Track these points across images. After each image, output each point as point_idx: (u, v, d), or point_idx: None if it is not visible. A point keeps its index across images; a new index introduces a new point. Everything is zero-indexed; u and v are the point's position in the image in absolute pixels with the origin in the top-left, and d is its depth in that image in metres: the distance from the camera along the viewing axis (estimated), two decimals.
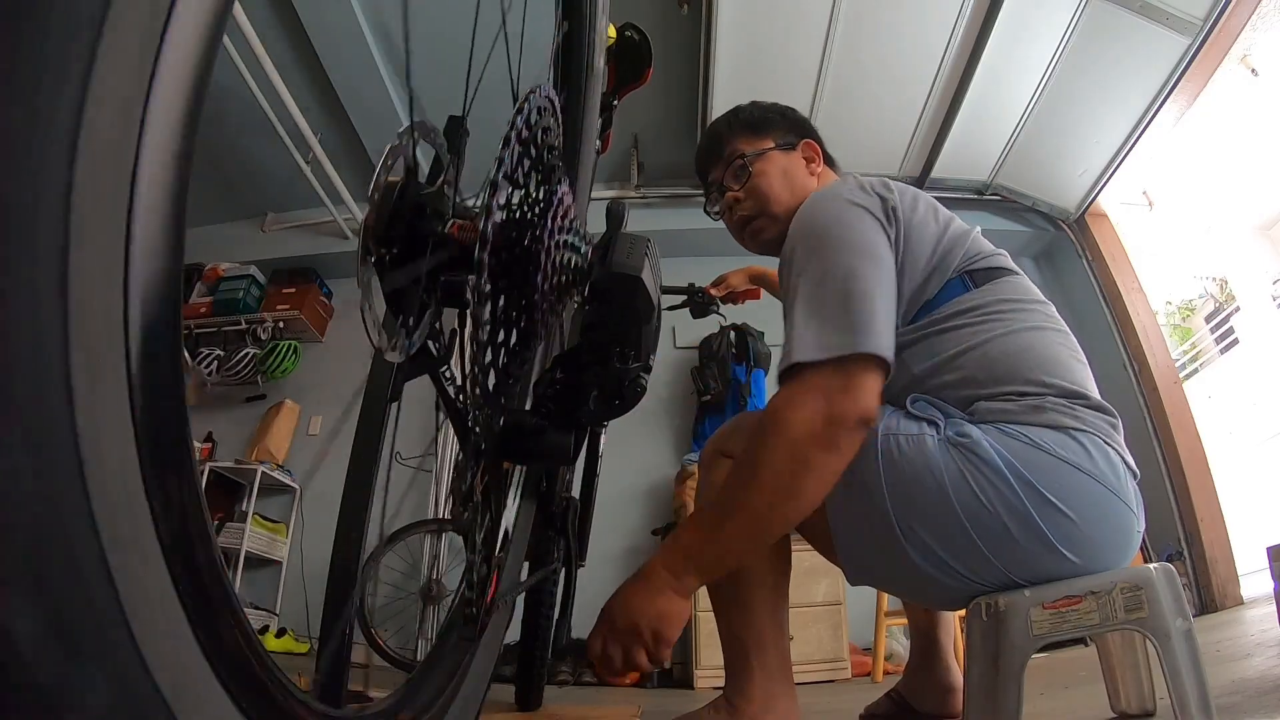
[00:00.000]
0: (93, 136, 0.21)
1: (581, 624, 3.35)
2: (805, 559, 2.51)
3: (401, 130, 0.51)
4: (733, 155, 1.23)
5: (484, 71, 0.58)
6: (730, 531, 0.87)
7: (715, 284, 1.83)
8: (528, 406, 0.92)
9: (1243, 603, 3.03)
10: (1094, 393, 0.93)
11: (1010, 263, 1.04)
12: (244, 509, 3.48)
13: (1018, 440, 0.86)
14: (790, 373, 0.88)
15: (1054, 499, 0.83)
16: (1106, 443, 0.88)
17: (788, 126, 1.26)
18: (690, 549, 0.88)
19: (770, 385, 3.60)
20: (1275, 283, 5.71)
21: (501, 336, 0.59)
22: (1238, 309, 6.22)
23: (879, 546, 0.91)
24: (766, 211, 1.19)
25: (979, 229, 1.08)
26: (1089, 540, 0.84)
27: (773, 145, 1.23)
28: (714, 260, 2.64)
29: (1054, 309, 1.02)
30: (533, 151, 0.60)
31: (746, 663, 0.98)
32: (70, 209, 0.21)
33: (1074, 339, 1.00)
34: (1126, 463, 0.90)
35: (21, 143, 0.20)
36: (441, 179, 0.56)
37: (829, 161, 1.27)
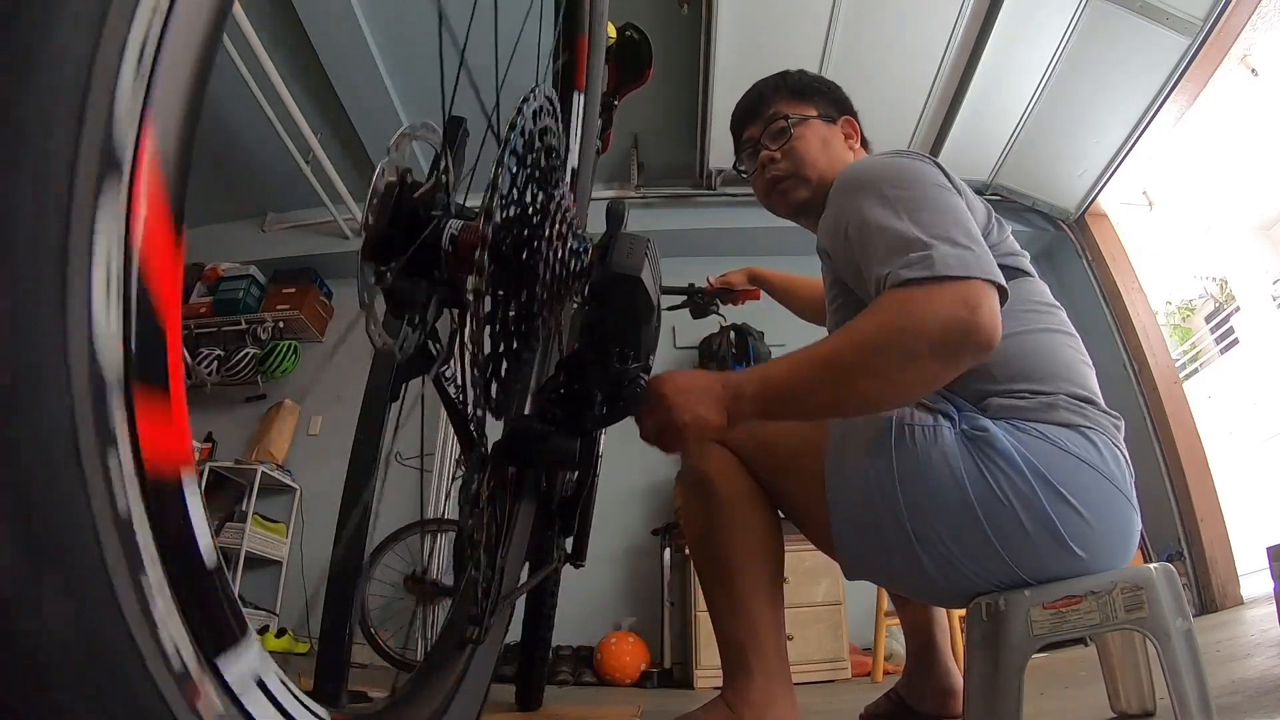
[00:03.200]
0: (89, 138, 0.21)
1: (580, 625, 3.33)
2: (805, 559, 2.53)
3: (401, 131, 0.51)
4: (775, 116, 1.22)
5: (439, 69, 0.58)
6: (814, 383, 0.82)
7: (716, 280, 1.83)
8: (529, 409, 0.92)
9: (1243, 603, 3.03)
10: (1100, 398, 0.95)
11: (1029, 266, 1.05)
12: (244, 509, 3.48)
13: (1032, 436, 0.87)
14: (924, 281, 0.79)
15: (1068, 495, 0.84)
16: (1113, 442, 0.90)
17: (831, 100, 1.25)
18: (769, 377, 0.83)
19: None
20: (1275, 283, 5.70)
21: (501, 341, 0.59)
22: (1238, 309, 6.22)
23: (883, 539, 0.90)
24: (800, 174, 1.17)
25: (1010, 228, 1.09)
26: (1097, 537, 0.85)
27: (816, 114, 1.22)
28: (714, 260, 2.64)
29: (1065, 314, 1.03)
30: (532, 153, 0.60)
31: (745, 664, 0.97)
32: (71, 210, 0.21)
33: (1082, 344, 1.01)
34: (1128, 463, 0.91)
35: (17, 147, 0.20)
36: (436, 177, 0.56)
37: (865, 145, 1.28)
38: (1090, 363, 0.99)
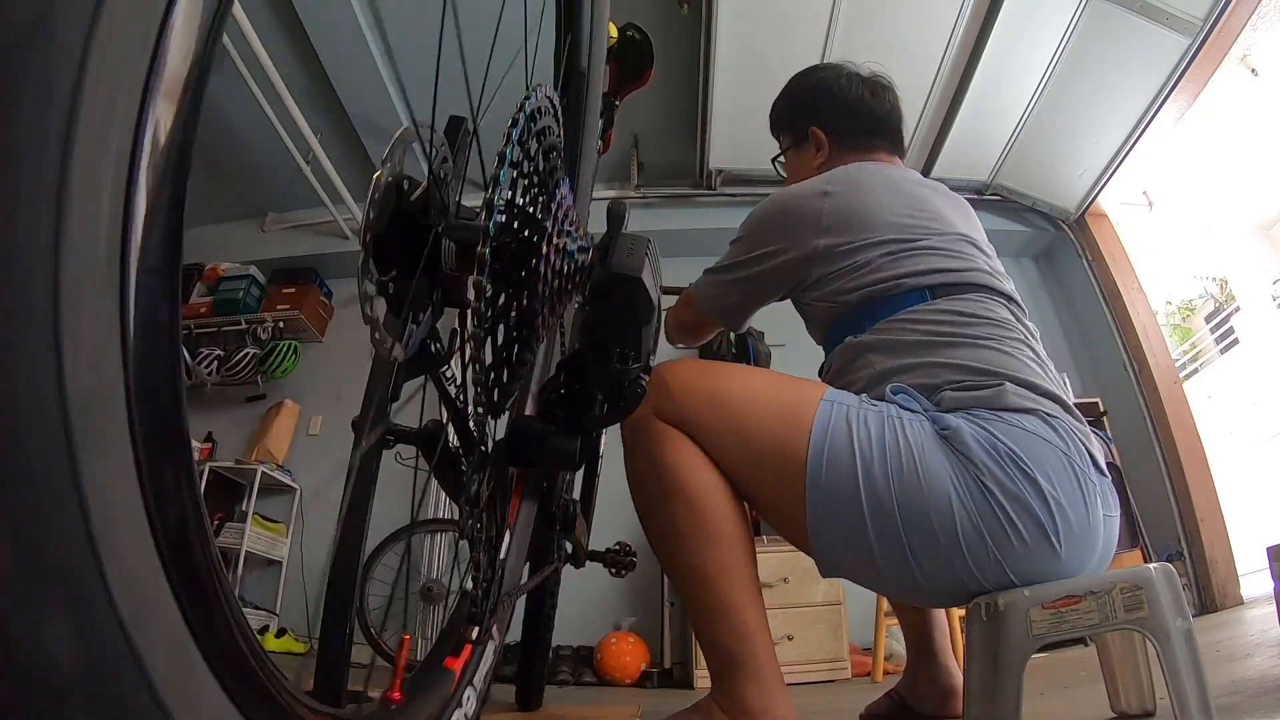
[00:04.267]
0: (87, 137, 0.21)
1: (580, 625, 3.32)
2: (805, 559, 2.51)
3: (402, 129, 0.51)
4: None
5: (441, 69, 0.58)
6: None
7: None
8: (529, 410, 0.92)
9: (1243, 603, 3.04)
10: (1048, 385, 0.93)
11: (990, 280, 1.04)
12: (244, 509, 3.48)
13: (992, 423, 0.87)
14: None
15: (1036, 474, 0.83)
16: (1070, 427, 0.89)
17: (794, 121, 1.32)
18: None
19: None
20: (1275, 283, 5.71)
21: (502, 337, 0.59)
22: (1238, 309, 6.22)
23: (865, 536, 0.88)
24: None
25: (974, 237, 1.10)
26: (1067, 521, 0.84)
27: (789, 145, 1.34)
28: (714, 261, 2.64)
29: (1017, 329, 1.01)
30: (533, 152, 0.60)
31: (736, 668, 0.93)
32: (62, 212, 0.21)
33: (1033, 350, 1.00)
34: (1092, 454, 0.89)
35: (8, 144, 0.20)
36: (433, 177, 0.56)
37: (858, 133, 1.26)
38: (1042, 365, 0.98)
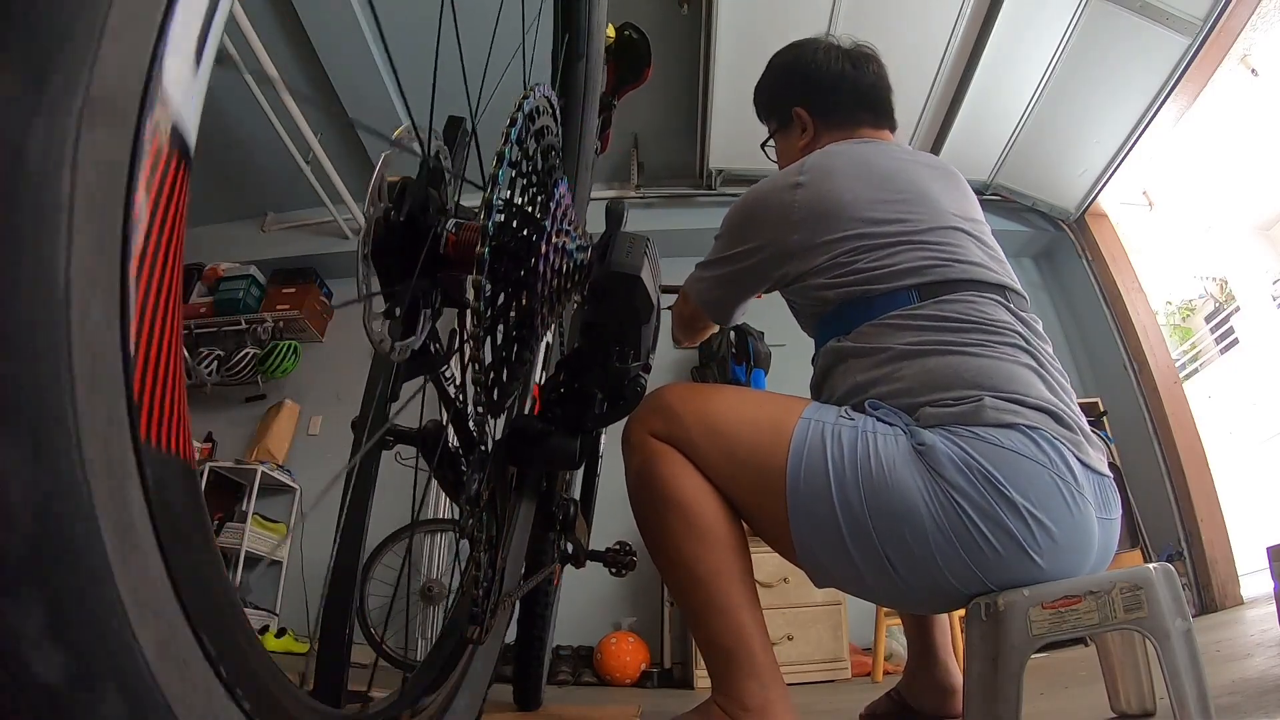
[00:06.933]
0: (91, 139, 0.21)
1: (580, 625, 3.32)
2: None
3: (399, 130, 0.51)
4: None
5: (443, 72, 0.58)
6: None
7: None
8: (528, 409, 0.92)
9: (1243, 603, 3.04)
10: (1039, 397, 0.91)
11: (983, 273, 1.01)
12: (244, 509, 3.48)
13: (967, 439, 0.86)
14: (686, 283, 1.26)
15: (1012, 492, 0.83)
16: (1054, 437, 0.87)
17: (778, 103, 1.33)
18: None
19: (770, 386, 3.59)
20: (1275, 283, 5.71)
21: (501, 336, 0.59)
22: (1238, 309, 6.22)
23: (844, 546, 0.89)
24: None
25: (967, 219, 1.07)
26: (1048, 533, 0.83)
27: (775, 129, 1.34)
28: None
29: (1010, 330, 0.96)
30: (531, 151, 0.60)
31: (736, 668, 0.93)
32: (73, 210, 0.21)
33: (1029, 352, 0.96)
34: (1082, 460, 0.88)
35: (17, 147, 0.20)
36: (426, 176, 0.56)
37: (841, 109, 1.25)
38: (1042, 370, 0.95)
